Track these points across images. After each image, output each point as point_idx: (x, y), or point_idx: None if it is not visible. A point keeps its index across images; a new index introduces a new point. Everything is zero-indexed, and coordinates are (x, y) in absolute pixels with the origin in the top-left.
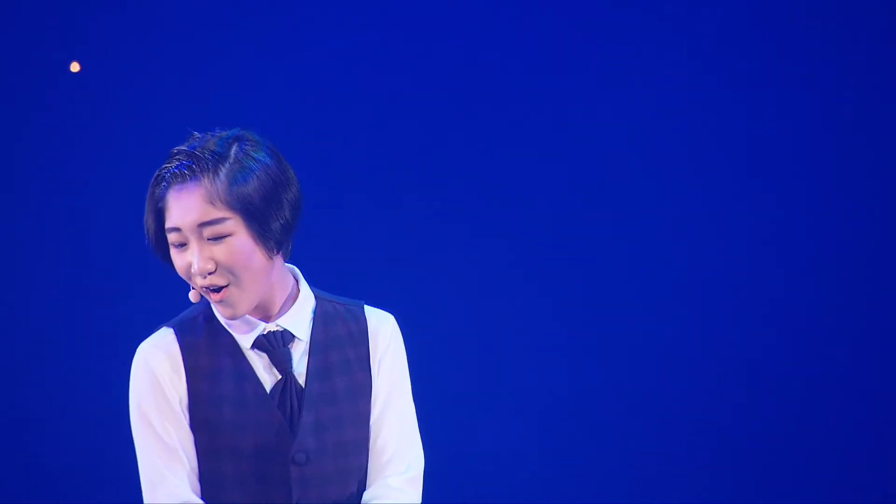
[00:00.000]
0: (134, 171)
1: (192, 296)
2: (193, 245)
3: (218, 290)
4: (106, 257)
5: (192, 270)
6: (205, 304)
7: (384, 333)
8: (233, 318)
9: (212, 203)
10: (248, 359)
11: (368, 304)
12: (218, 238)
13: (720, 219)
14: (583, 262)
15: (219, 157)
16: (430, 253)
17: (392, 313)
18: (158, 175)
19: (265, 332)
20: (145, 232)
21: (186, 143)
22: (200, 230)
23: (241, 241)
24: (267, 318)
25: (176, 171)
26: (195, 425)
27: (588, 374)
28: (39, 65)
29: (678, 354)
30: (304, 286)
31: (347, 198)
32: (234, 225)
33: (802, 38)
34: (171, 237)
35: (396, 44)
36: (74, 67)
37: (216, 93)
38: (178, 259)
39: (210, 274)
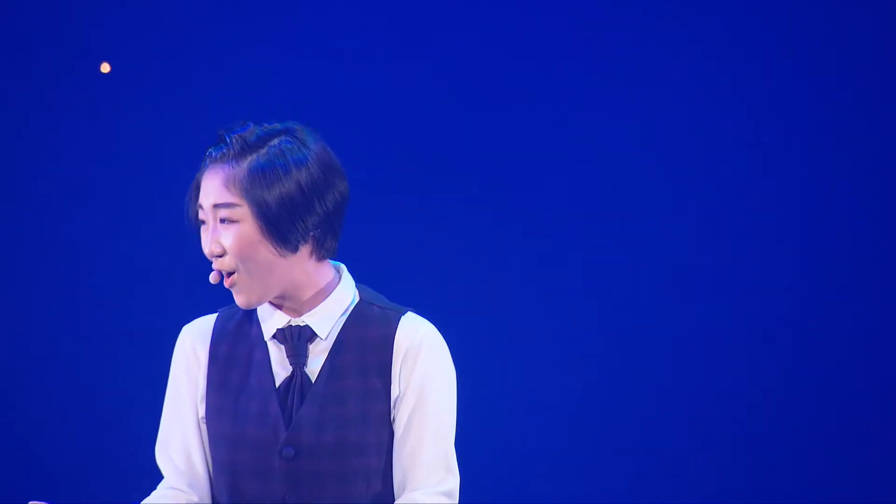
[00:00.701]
0: (167, 170)
1: (212, 277)
2: (209, 225)
3: (228, 275)
4: (135, 257)
5: (206, 253)
6: None
7: (410, 340)
8: (247, 306)
9: (227, 187)
10: (270, 350)
11: (414, 312)
12: (228, 222)
13: (747, 217)
14: (604, 261)
15: (249, 147)
16: (437, 253)
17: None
18: (204, 155)
19: (286, 326)
20: (185, 209)
21: (234, 127)
22: (216, 211)
23: (246, 231)
24: (296, 313)
25: (213, 152)
26: (208, 411)
27: (601, 374)
28: (70, 66)
29: (700, 356)
30: (346, 286)
31: (376, 198)
32: (243, 213)
33: (811, 38)
34: (199, 214)
35: (427, 41)
36: (105, 68)
37: (246, 93)
38: (202, 237)
39: (218, 257)
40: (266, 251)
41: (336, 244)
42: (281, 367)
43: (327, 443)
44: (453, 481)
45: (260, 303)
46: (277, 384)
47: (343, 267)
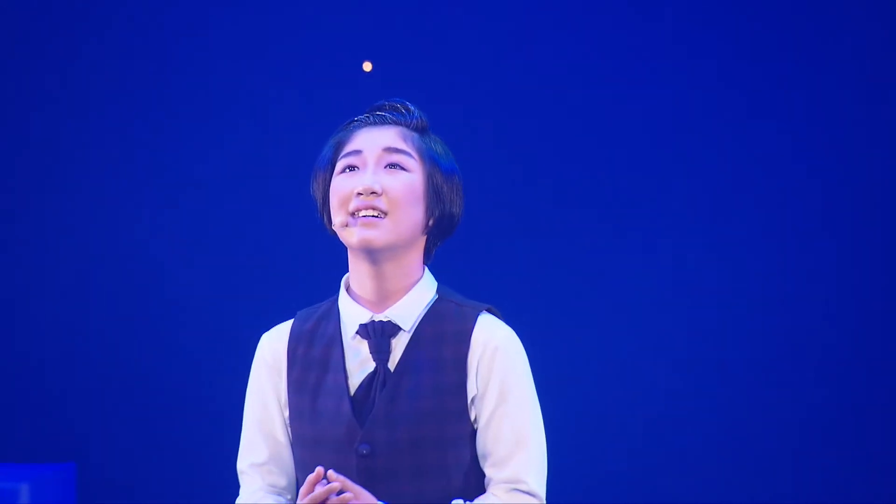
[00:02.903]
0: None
1: (337, 224)
2: (369, 168)
3: (374, 216)
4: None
5: (359, 189)
6: (334, 296)
7: (488, 339)
8: (368, 245)
9: (403, 139)
10: (346, 348)
11: (493, 312)
12: (396, 167)
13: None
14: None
15: (423, 128)
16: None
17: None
18: (352, 121)
19: (369, 322)
20: (316, 165)
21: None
22: (384, 154)
23: (414, 181)
24: (377, 308)
25: (372, 117)
26: (291, 412)
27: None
28: (333, 65)
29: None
30: (426, 283)
31: None
32: (416, 165)
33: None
34: (346, 161)
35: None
36: (367, 67)
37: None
38: (344, 183)
39: (373, 194)
40: (418, 212)
41: (433, 254)
42: (358, 365)
43: (402, 438)
44: (530, 476)
45: (383, 247)
46: (354, 382)
47: (427, 270)
